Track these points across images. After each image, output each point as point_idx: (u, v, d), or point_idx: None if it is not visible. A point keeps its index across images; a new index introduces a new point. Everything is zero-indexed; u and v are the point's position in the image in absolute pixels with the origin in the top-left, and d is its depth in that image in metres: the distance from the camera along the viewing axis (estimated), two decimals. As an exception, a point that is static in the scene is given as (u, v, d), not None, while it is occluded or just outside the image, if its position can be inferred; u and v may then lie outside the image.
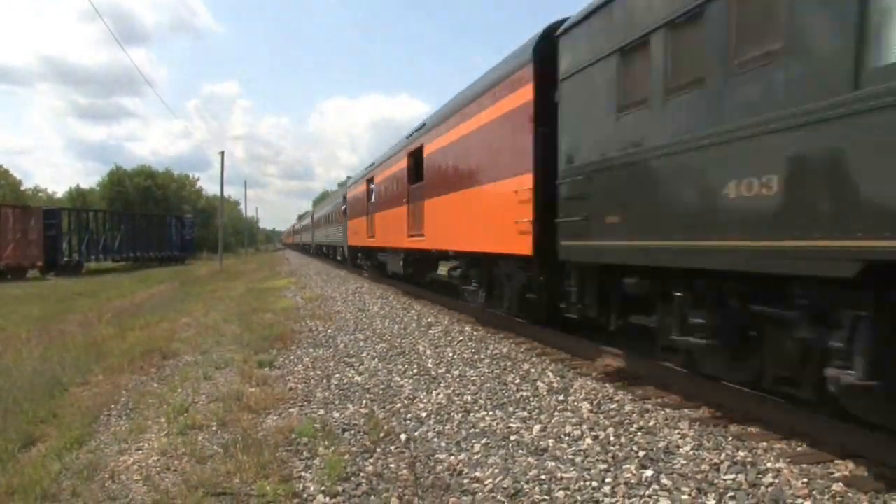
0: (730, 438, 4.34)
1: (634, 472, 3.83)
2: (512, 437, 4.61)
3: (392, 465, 4.18)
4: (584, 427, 4.72)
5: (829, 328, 3.80)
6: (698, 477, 3.72)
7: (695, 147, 4.62)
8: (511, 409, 5.34)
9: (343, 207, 26.43)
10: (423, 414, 5.33)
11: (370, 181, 19.49)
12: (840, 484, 3.51)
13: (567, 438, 4.52)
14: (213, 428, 5.07)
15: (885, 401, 3.57)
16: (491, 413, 5.24)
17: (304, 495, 3.73)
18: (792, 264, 3.82)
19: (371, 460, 4.27)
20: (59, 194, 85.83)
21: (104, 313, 13.60)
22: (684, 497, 3.47)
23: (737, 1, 4.25)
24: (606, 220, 5.88)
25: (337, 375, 6.85)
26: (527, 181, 7.43)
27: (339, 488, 3.80)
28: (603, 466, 3.95)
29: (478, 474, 3.99)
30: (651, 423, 4.72)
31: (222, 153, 38.76)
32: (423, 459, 4.28)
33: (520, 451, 4.31)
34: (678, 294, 5.10)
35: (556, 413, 5.14)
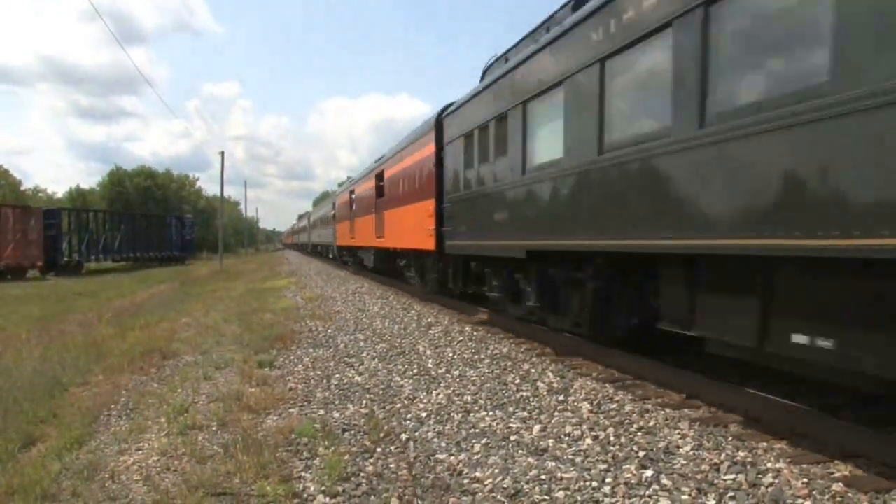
0: (730, 438, 4.34)
1: (634, 472, 3.83)
2: (512, 438, 4.61)
3: (392, 466, 4.18)
4: (584, 427, 4.72)
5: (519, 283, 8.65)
6: (698, 477, 3.72)
7: (490, 192, 8.99)
8: (511, 409, 5.34)
9: (332, 213, 31.21)
10: (423, 414, 5.33)
11: (352, 192, 24.10)
12: (840, 484, 3.51)
13: (567, 438, 4.52)
14: (213, 428, 5.07)
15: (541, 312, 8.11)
16: (491, 413, 5.24)
17: (304, 495, 3.73)
18: (512, 251, 8.12)
19: (371, 460, 4.27)
20: (59, 194, 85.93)
21: (104, 313, 13.60)
22: (684, 497, 3.47)
23: (495, 125, 8.74)
24: (462, 228, 10.18)
25: (337, 375, 6.85)
26: (432, 203, 11.93)
27: (339, 488, 3.80)
28: (603, 466, 3.95)
29: (478, 474, 4.00)
30: (651, 423, 4.72)
31: (222, 153, 38.82)
32: (423, 459, 4.28)
33: (520, 452, 4.31)
34: (487, 269, 9.81)
35: (556, 413, 5.14)
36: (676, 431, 4.51)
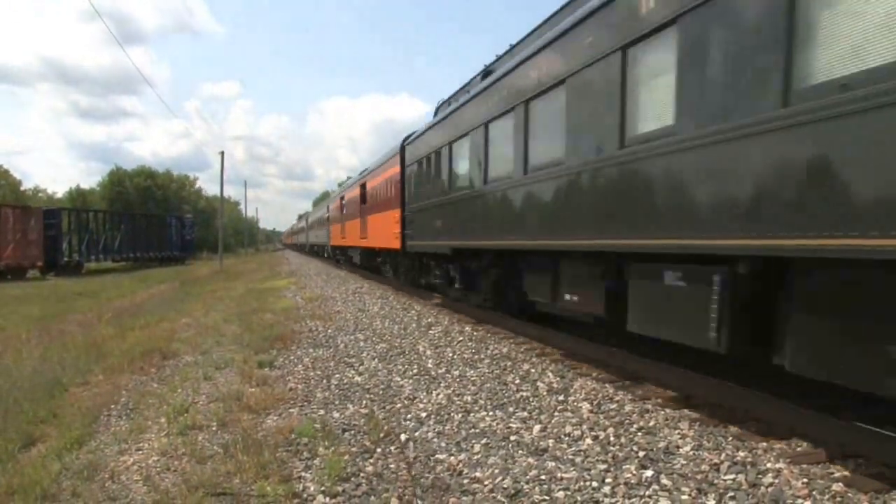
0: (730, 438, 4.34)
1: (634, 472, 3.83)
2: (512, 438, 4.61)
3: (392, 466, 4.18)
4: (584, 427, 4.72)
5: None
6: (698, 477, 3.72)
7: (431, 205, 11.89)
8: (511, 409, 5.34)
9: (327, 216, 34.99)
10: (423, 414, 5.33)
11: (342, 198, 27.60)
12: (840, 484, 3.51)
13: (567, 438, 4.52)
14: (214, 428, 5.07)
15: (463, 292, 11.33)
16: (491, 413, 5.24)
17: (304, 495, 3.73)
18: (444, 249, 11.00)
19: (371, 460, 4.27)
20: (59, 194, 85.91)
21: (104, 313, 13.60)
22: (684, 497, 3.47)
23: (434, 156, 11.78)
24: (417, 232, 13.26)
25: (337, 376, 6.85)
26: (398, 212, 15.03)
27: (339, 488, 3.80)
28: (603, 466, 3.95)
29: (478, 474, 4.00)
30: (651, 423, 4.72)
31: (222, 153, 38.82)
32: (422, 460, 4.28)
33: (520, 452, 4.31)
34: (432, 263, 13.13)
35: (556, 413, 5.14)
36: (676, 431, 4.51)
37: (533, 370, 6.67)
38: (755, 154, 4.10)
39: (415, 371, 6.95)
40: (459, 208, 10.35)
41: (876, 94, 3.28)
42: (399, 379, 6.63)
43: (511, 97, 8.14)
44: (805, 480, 3.58)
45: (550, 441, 4.48)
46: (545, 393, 5.75)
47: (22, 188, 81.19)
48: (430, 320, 10.68)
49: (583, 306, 6.90)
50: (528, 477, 3.87)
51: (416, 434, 4.83)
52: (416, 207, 13.42)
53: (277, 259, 51.77)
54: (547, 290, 7.70)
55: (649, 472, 3.80)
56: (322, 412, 5.46)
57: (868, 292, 3.66)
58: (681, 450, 4.15)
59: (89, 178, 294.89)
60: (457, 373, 6.75)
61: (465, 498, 3.67)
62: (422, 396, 5.89)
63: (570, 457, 4.16)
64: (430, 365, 7.21)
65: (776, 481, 3.59)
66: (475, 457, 4.29)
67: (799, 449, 4.13)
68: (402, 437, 4.75)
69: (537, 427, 4.80)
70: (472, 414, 5.26)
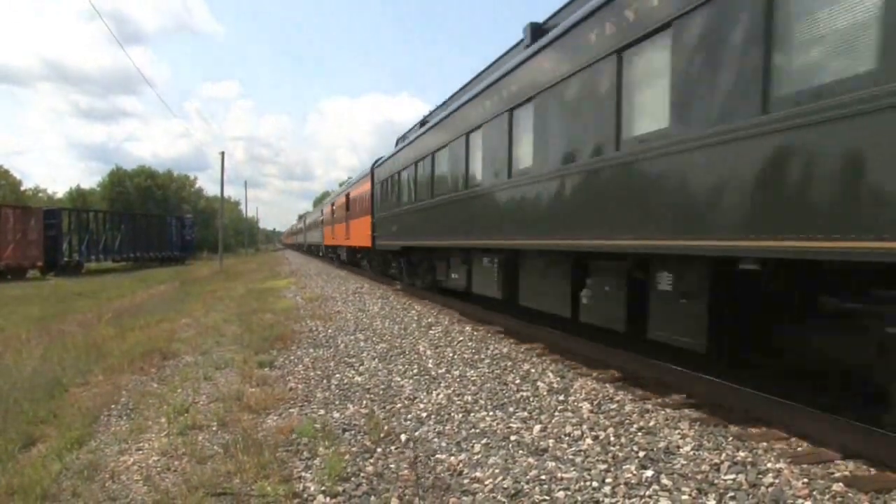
0: (730, 438, 4.34)
1: (634, 472, 3.83)
2: (512, 438, 4.61)
3: (392, 466, 4.18)
4: (585, 427, 4.72)
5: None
6: (698, 477, 3.72)
7: (389, 214, 16.65)
8: (511, 409, 5.34)
9: (321, 218, 40.34)
10: (424, 414, 5.33)
11: (333, 204, 32.97)
12: (840, 484, 3.51)
13: (567, 438, 4.52)
14: (214, 428, 5.07)
15: (410, 279, 16.15)
16: (491, 413, 5.24)
17: (305, 495, 3.73)
18: (395, 247, 16.21)
19: (371, 460, 4.27)
20: (60, 195, 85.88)
21: (104, 313, 13.60)
22: (684, 497, 3.47)
23: (390, 180, 16.81)
24: (382, 234, 17.58)
25: (337, 376, 6.85)
26: (370, 218, 19.58)
27: (340, 488, 3.80)
28: (603, 466, 3.95)
29: (478, 474, 4.00)
30: (651, 424, 4.72)
31: (222, 154, 38.83)
32: (423, 460, 4.28)
33: (520, 452, 4.31)
34: (390, 257, 18.25)
35: (556, 413, 5.14)
36: (676, 431, 4.51)
37: (533, 370, 6.66)
38: (596, 184, 6.24)
39: (415, 371, 6.95)
40: (403, 218, 14.96)
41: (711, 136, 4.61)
42: (399, 379, 6.63)
43: (409, 157, 14.52)
44: (805, 480, 3.58)
45: (551, 441, 4.48)
46: (545, 393, 5.75)
47: (22, 188, 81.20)
48: (430, 320, 10.68)
49: (480, 289, 10.12)
50: (528, 477, 3.87)
51: (417, 434, 4.83)
52: (381, 216, 18.18)
53: (277, 259, 51.77)
54: (450, 273, 11.86)
55: (649, 472, 3.80)
56: (322, 412, 5.46)
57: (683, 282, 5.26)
58: (681, 450, 4.15)
59: (89, 178, 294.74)
60: (457, 373, 6.75)
61: (465, 498, 3.67)
62: (422, 396, 5.89)
63: (571, 457, 4.16)
64: (430, 365, 7.21)
65: (776, 481, 3.59)
66: (475, 457, 4.29)
67: (799, 449, 4.13)
68: (403, 437, 4.75)
69: (537, 427, 4.80)
70: (472, 414, 5.26)
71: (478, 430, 4.83)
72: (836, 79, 3.69)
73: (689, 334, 5.14)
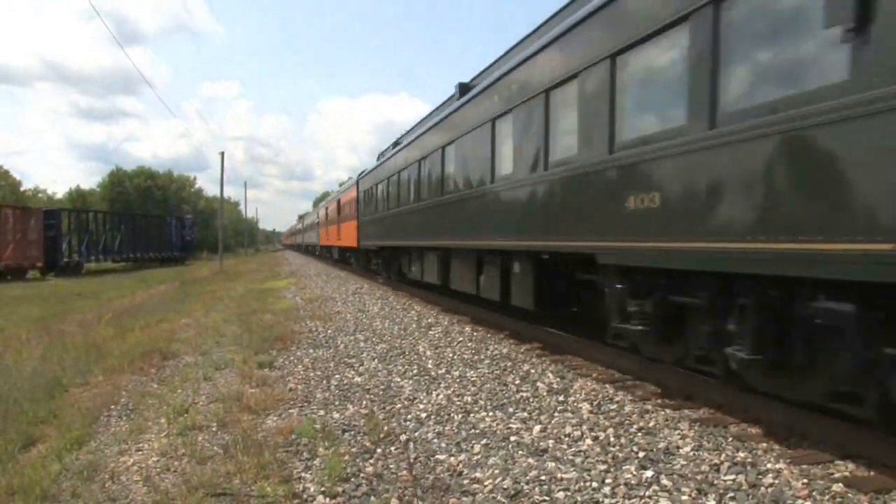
0: (730, 439, 4.34)
1: (634, 472, 3.83)
2: (512, 438, 4.61)
3: (392, 466, 4.18)
4: (584, 428, 4.72)
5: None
6: (698, 477, 3.72)
7: (371, 218, 19.89)
8: (511, 409, 5.34)
9: (317, 221, 43.92)
10: (423, 415, 5.33)
11: (327, 208, 36.90)
12: (840, 484, 3.51)
13: (567, 439, 4.52)
14: (213, 428, 5.07)
15: (386, 271, 20.21)
16: (491, 414, 5.24)
17: (305, 496, 3.73)
18: (374, 246, 19.73)
19: (371, 461, 4.27)
20: (59, 195, 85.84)
21: (104, 314, 13.59)
22: (684, 498, 3.47)
23: (370, 190, 20.29)
24: (366, 235, 21.01)
25: (337, 376, 6.85)
26: (356, 221, 23.01)
27: (340, 489, 3.80)
28: (603, 467, 3.95)
29: (478, 475, 4.00)
30: (651, 424, 4.72)
31: (222, 154, 38.79)
32: (423, 460, 4.28)
33: (520, 452, 4.31)
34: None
35: (556, 414, 5.14)
36: (676, 432, 4.51)
37: (533, 370, 6.67)
38: (484, 203, 9.13)
39: (415, 371, 6.95)
40: (379, 223, 18.36)
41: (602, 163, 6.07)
42: (399, 379, 6.63)
43: (382, 174, 18.21)
44: (805, 481, 3.58)
45: (550, 441, 4.48)
46: (545, 393, 5.75)
47: (22, 188, 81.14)
48: (430, 321, 10.68)
49: (427, 277, 13.24)
50: (528, 477, 3.87)
51: (417, 434, 4.83)
52: (364, 220, 21.70)
53: (277, 259, 51.76)
54: (410, 266, 15.22)
55: (649, 473, 3.80)
56: (322, 413, 5.45)
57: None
58: (681, 450, 4.15)
59: (89, 178, 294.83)
60: (457, 373, 6.75)
61: (465, 498, 3.66)
62: (422, 397, 5.89)
63: (571, 457, 4.16)
64: (430, 365, 7.21)
65: (776, 482, 3.59)
66: (475, 457, 4.29)
67: (799, 449, 4.13)
68: (403, 437, 4.75)
69: (537, 427, 4.80)
70: (472, 414, 5.26)
71: (477, 431, 4.83)
72: (649, 133, 5.29)
73: (525, 299, 8.10)
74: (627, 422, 4.81)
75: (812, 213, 3.69)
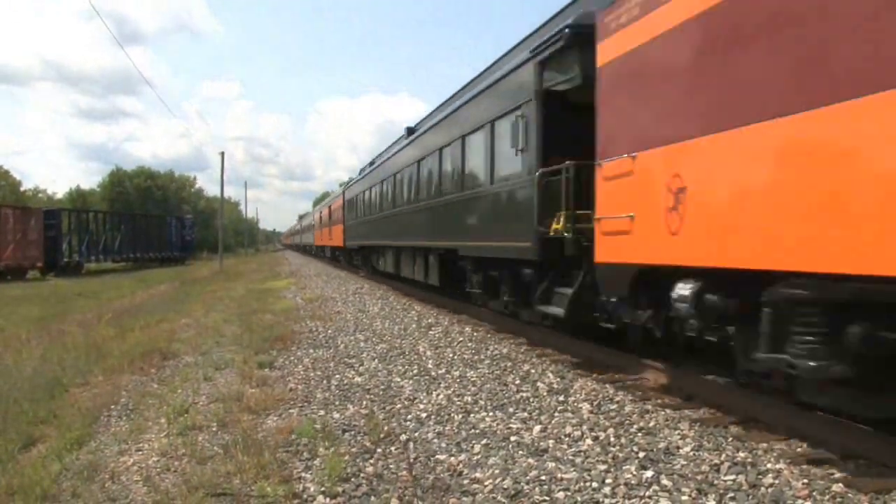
0: (730, 439, 4.34)
1: (634, 472, 3.83)
2: (512, 438, 4.61)
3: (392, 466, 4.18)
4: (585, 428, 4.72)
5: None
6: (698, 478, 3.72)
7: (353, 223, 25.00)
8: (511, 409, 5.34)
9: (313, 223, 49.00)
10: (424, 415, 5.33)
11: (321, 213, 41.80)
12: (840, 484, 3.51)
13: (567, 439, 4.52)
14: (214, 429, 5.07)
15: (364, 266, 25.35)
16: (491, 414, 5.24)
17: (305, 496, 3.73)
18: (354, 245, 25.36)
19: (371, 461, 4.26)
20: (60, 195, 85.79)
21: (104, 314, 13.59)
22: (684, 498, 3.47)
23: (352, 199, 25.56)
24: (352, 235, 25.50)
25: (337, 376, 6.85)
26: (342, 225, 28.04)
27: (340, 489, 3.79)
28: (603, 467, 3.95)
29: (478, 475, 3.99)
30: (651, 424, 4.72)
31: (222, 154, 38.83)
32: (423, 460, 4.28)
33: (520, 452, 4.31)
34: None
35: (556, 414, 5.14)
36: (676, 432, 4.51)
37: (533, 371, 6.67)
38: (420, 215, 13.39)
39: (415, 371, 6.95)
40: (358, 227, 23.27)
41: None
42: (399, 379, 6.63)
43: (359, 187, 23.57)
44: (805, 481, 3.58)
45: (551, 441, 4.48)
46: (545, 393, 5.75)
47: (22, 188, 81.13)
48: (430, 321, 10.69)
49: (389, 269, 17.38)
50: (528, 477, 3.87)
51: (417, 434, 4.83)
52: (348, 224, 26.23)
53: (277, 259, 51.77)
54: (379, 261, 19.44)
55: (649, 473, 3.80)
56: (322, 413, 5.45)
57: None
58: (681, 450, 4.15)
59: (89, 178, 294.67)
60: (457, 373, 6.75)
61: (465, 498, 3.66)
62: (422, 397, 5.89)
63: (571, 457, 4.16)
64: (430, 365, 7.21)
65: (776, 482, 3.59)
66: (475, 457, 4.29)
67: (799, 449, 4.13)
68: (403, 437, 4.75)
69: (537, 427, 4.79)
70: (472, 414, 5.26)
71: (478, 431, 4.83)
72: (468, 182, 10.26)
73: (435, 279, 12.39)
74: (627, 422, 4.81)
75: (503, 228, 8.51)
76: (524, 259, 7.77)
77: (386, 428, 4.95)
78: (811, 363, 3.79)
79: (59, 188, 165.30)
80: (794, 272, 3.78)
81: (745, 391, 5.04)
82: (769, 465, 3.81)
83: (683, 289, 4.73)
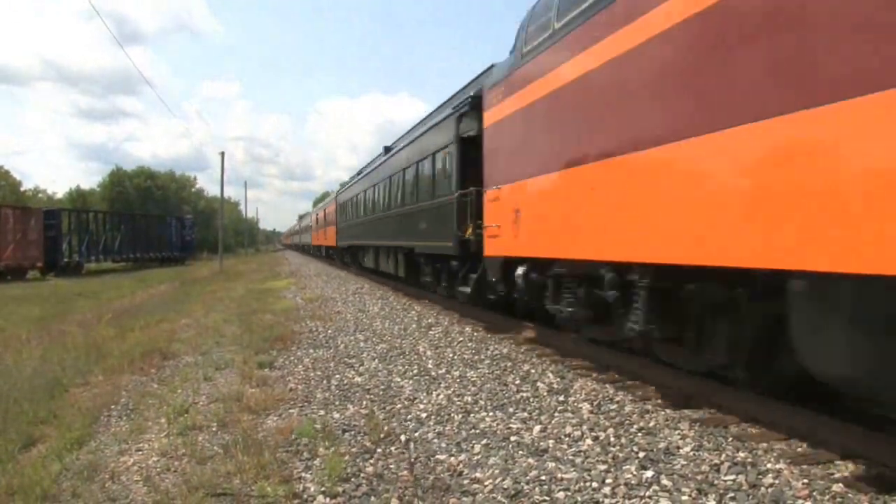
0: (730, 439, 4.34)
1: (635, 472, 3.83)
2: (512, 438, 4.61)
3: (392, 466, 4.18)
4: (585, 428, 4.72)
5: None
6: (698, 478, 3.72)
7: (345, 224, 27.94)
8: (511, 409, 5.34)
9: (310, 224, 52.21)
10: (424, 415, 5.33)
11: (317, 215, 45.61)
12: (840, 485, 3.51)
13: (567, 439, 4.52)
14: (214, 428, 5.07)
15: (354, 265, 28.65)
16: (491, 414, 5.24)
17: (305, 496, 3.73)
18: (346, 244, 28.09)
19: (371, 461, 4.27)
20: (60, 195, 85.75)
21: (104, 314, 13.59)
22: (684, 498, 3.47)
23: (343, 205, 29.41)
24: (342, 236, 28.88)
25: (337, 376, 6.85)
26: (335, 226, 31.68)
27: (340, 489, 3.79)
28: (603, 467, 3.95)
29: (478, 475, 3.99)
30: (651, 424, 4.72)
31: (222, 154, 38.75)
32: (423, 460, 4.28)
33: (520, 452, 4.31)
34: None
35: (556, 414, 5.14)
36: (676, 432, 4.51)
37: (533, 371, 6.67)
38: (390, 221, 16.71)
39: (415, 371, 6.95)
40: (347, 229, 26.37)
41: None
42: (399, 379, 6.63)
43: (348, 193, 27.15)
44: (805, 481, 3.58)
45: (551, 441, 4.48)
46: (545, 393, 5.76)
47: (22, 188, 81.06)
48: (430, 321, 10.69)
49: (370, 265, 20.84)
50: (528, 477, 3.87)
51: (417, 434, 4.83)
52: (340, 226, 29.18)
53: (277, 259, 51.78)
54: (363, 259, 22.71)
55: (649, 473, 3.80)
56: (322, 413, 5.45)
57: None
58: (681, 450, 4.15)
59: (89, 178, 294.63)
60: (457, 373, 6.75)
61: (465, 498, 3.66)
62: (422, 397, 5.89)
63: (571, 457, 4.16)
64: (430, 365, 7.21)
65: (776, 482, 3.59)
66: (475, 457, 4.29)
67: (799, 449, 4.13)
68: (403, 437, 4.75)
69: (537, 427, 4.80)
70: (472, 414, 5.26)
71: (478, 431, 4.83)
72: (421, 197, 13.33)
73: (402, 273, 15.50)
74: (628, 422, 4.81)
75: (440, 232, 11.30)
76: (450, 255, 10.76)
77: (386, 428, 4.95)
78: (569, 309, 6.76)
79: (59, 188, 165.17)
80: (559, 259, 6.79)
81: (745, 391, 5.04)
82: (769, 465, 3.81)
83: (519, 270, 7.79)
